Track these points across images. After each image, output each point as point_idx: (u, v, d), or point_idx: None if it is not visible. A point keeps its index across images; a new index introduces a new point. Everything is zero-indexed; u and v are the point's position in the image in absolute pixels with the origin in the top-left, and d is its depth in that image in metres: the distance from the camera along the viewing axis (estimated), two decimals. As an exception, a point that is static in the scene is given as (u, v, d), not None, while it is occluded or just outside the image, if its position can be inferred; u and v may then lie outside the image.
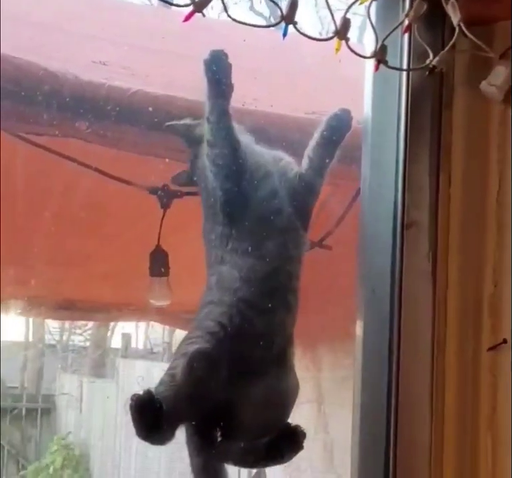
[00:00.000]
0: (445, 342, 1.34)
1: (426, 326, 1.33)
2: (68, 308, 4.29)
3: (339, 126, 1.50)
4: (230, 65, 1.44)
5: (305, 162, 1.53)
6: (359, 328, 1.40)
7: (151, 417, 1.39)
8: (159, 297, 2.71)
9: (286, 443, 1.44)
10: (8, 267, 3.42)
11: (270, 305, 1.45)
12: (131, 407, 1.40)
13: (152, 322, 10.72)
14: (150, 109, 1.79)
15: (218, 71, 1.43)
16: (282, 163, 1.55)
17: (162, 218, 2.36)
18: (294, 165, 1.55)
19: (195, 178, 1.57)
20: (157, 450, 6.58)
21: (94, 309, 4.36)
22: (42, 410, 8.23)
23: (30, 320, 10.14)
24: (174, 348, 10.27)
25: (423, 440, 1.33)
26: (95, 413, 7.72)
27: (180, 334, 11.23)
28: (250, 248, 1.46)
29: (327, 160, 1.50)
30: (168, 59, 2.25)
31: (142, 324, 10.52)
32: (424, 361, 1.34)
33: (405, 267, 1.35)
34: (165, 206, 2.31)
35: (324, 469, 3.83)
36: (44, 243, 3.39)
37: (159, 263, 2.54)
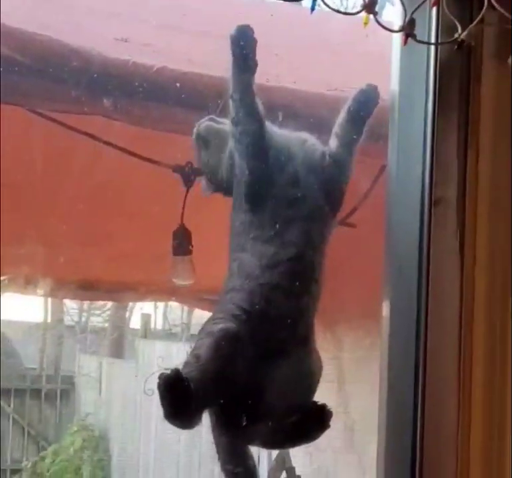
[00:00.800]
0: (472, 320, 1.33)
1: (454, 303, 1.32)
2: (89, 288, 4.30)
3: (367, 101, 1.49)
4: (256, 40, 1.43)
5: (333, 140, 1.51)
6: (385, 307, 1.39)
7: (180, 396, 1.38)
8: (182, 276, 2.70)
9: (313, 422, 1.44)
10: (28, 246, 3.44)
11: (291, 293, 1.45)
12: (159, 386, 1.39)
13: (170, 303, 10.81)
14: (176, 85, 1.78)
15: (245, 46, 1.42)
16: (307, 145, 1.54)
17: (185, 197, 2.35)
18: (319, 146, 1.53)
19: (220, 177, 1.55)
20: (177, 431, 6.62)
21: (115, 289, 4.37)
22: (61, 391, 8.27)
23: (49, 301, 10.22)
24: (192, 329, 10.35)
25: (450, 420, 1.32)
26: (115, 394, 7.75)
27: (199, 314, 11.30)
28: (272, 236, 1.45)
29: (355, 137, 1.49)
30: (190, 36, 2.23)
31: (161, 305, 10.57)
32: (451, 339, 1.33)
33: (433, 244, 1.34)
34: (188, 185, 2.30)
35: (345, 449, 3.84)
36: (66, 223, 3.40)
37: (182, 242, 2.53)
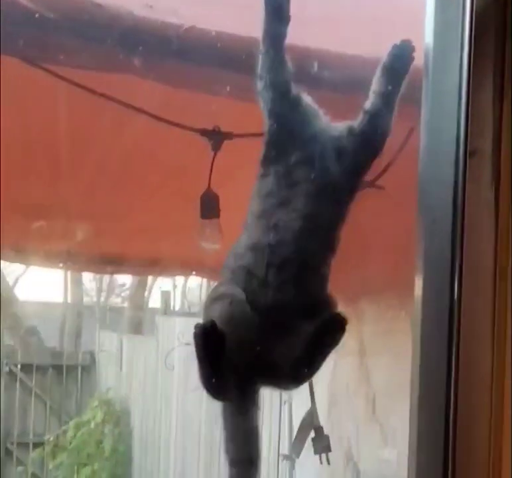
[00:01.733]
0: (506, 272, 1.32)
1: (488, 254, 1.32)
2: (111, 262, 4.31)
3: (402, 55, 1.47)
4: None
5: (370, 99, 1.50)
6: (418, 259, 1.38)
7: (216, 346, 1.38)
8: (210, 240, 2.70)
9: (329, 331, 1.41)
10: (50, 219, 3.44)
11: (298, 265, 1.43)
12: (196, 335, 1.40)
13: (188, 284, 10.85)
14: (206, 44, 1.78)
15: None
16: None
17: (213, 161, 2.34)
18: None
19: None
20: (197, 405, 6.67)
21: (137, 262, 4.37)
22: (82, 367, 8.36)
23: (68, 281, 10.29)
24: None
25: (484, 388, 1.30)
26: (135, 369, 7.81)
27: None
28: (284, 201, 1.44)
29: (392, 90, 1.47)
30: (218, 5, 2.22)
31: (179, 285, 10.62)
32: (485, 290, 1.32)
33: (467, 196, 1.33)
34: (216, 148, 2.30)
35: (366, 419, 3.86)
36: (89, 195, 3.40)
37: (210, 205, 2.52)
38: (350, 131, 1.48)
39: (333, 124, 1.52)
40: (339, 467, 4.06)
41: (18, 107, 2.59)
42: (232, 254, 1.48)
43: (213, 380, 1.42)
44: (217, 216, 2.60)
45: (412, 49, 1.48)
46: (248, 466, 1.50)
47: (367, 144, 1.48)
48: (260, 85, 1.46)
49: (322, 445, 3.43)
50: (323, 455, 3.44)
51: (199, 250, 3.91)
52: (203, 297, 10.65)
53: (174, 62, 1.81)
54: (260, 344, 1.43)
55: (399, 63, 1.47)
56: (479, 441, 1.27)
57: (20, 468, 7.80)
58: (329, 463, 3.48)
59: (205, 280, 10.63)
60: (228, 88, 1.75)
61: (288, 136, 1.46)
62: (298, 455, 3.68)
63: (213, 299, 1.47)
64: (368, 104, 1.49)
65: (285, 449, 4.75)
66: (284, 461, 4.73)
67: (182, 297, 10.41)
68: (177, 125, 2.25)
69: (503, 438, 1.27)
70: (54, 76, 2.06)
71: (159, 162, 2.87)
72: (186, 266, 4.43)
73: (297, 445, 3.58)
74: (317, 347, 1.42)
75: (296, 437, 3.56)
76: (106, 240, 3.88)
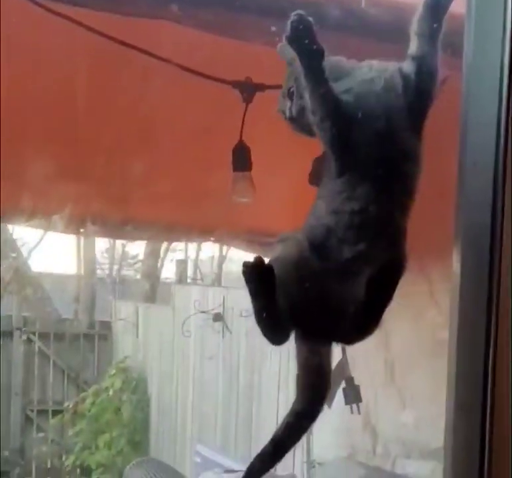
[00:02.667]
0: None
1: None
2: (129, 226, 4.31)
3: None
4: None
5: (415, 42, 1.39)
6: (458, 204, 1.37)
7: (266, 279, 1.38)
8: (242, 193, 2.69)
9: (387, 274, 1.39)
10: (69, 184, 3.42)
11: (378, 226, 1.39)
12: (244, 273, 1.39)
13: (200, 256, 10.90)
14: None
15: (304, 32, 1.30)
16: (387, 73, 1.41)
17: (245, 112, 2.32)
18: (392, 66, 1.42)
19: None
20: (215, 372, 6.71)
21: (156, 228, 4.37)
22: (99, 336, 8.41)
23: (82, 253, 10.33)
24: (222, 279, 10.38)
25: None
26: (152, 337, 7.87)
27: (229, 264, 11.36)
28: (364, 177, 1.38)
29: (438, 29, 1.42)
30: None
31: (192, 255, 10.67)
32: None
33: (510, 137, 1.32)
34: (247, 100, 2.29)
35: (385, 384, 3.88)
36: (110, 159, 3.38)
37: (242, 158, 2.50)
38: (405, 81, 1.40)
39: (372, 74, 1.43)
40: (357, 430, 4.09)
41: (33, 59, 2.55)
42: (312, 215, 1.47)
43: (267, 318, 1.42)
44: (249, 169, 2.59)
45: None
46: (315, 403, 1.52)
47: (423, 93, 1.44)
48: (313, 119, 1.37)
49: (353, 395, 3.46)
50: (354, 406, 3.47)
51: (221, 215, 3.92)
52: (216, 268, 10.72)
53: (209, 7, 1.77)
54: (321, 290, 1.41)
55: None
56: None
57: (40, 434, 7.89)
58: (359, 413, 3.51)
59: (217, 252, 10.72)
60: (261, 37, 1.72)
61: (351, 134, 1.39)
62: (329, 405, 3.70)
63: (277, 241, 1.48)
64: (414, 48, 1.40)
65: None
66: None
67: (194, 267, 10.46)
68: (207, 76, 2.22)
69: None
70: (72, 22, 2.03)
71: (187, 118, 2.84)
72: (206, 232, 4.42)
73: (328, 396, 3.60)
74: (376, 291, 1.39)
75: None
76: (125, 205, 3.87)
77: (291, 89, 1.47)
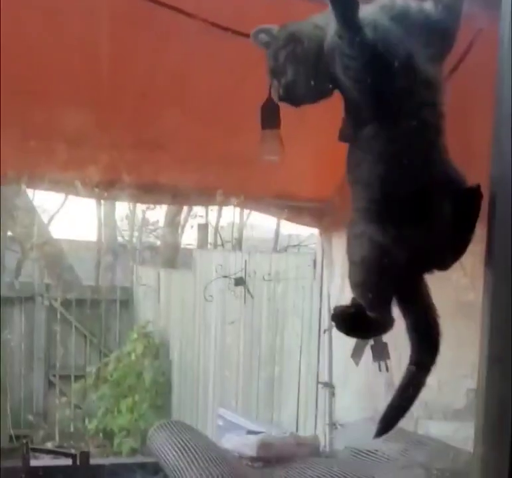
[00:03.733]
0: None
1: None
2: (151, 191, 4.29)
3: None
4: None
5: None
6: (490, 156, 1.35)
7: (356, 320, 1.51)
8: (270, 151, 2.68)
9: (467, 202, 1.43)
10: (90, 148, 3.41)
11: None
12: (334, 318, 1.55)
13: (221, 224, 10.90)
14: None
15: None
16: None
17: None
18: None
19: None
20: (236, 336, 6.74)
21: (178, 192, 4.35)
22: (120, 302, 8.45)
23: (102, 219, 10.35)
24: (243, 245, 10.42)
25: None
26: (174, 302, 7.89)
27: (249, 231, 11.36)
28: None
29: None
30: None
31: (212, 221, 10.67)
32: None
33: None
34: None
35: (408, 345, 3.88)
36: (130, 122, 3.35)
37: (271, 115, 2.47)
38: (427, 18, 1.40)
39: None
40: (380, 392, 4.09)
41: (52, 21, 2.51)
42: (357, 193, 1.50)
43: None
44: (278, 126, 2.56)
45: None
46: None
47: (444, 32, 1.42)
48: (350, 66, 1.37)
49: (381, 352, 3.47)
50: (382, 363, 3.48)
51: (245, 179, 3.90)
52: (237, 233, 10.72)
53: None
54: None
55: None
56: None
57: (63, 399, 7.97)
58: (387, 370, 3.51)
59: (237, 218, 10.71)
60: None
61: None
62: (357, 362, 3.71)
63: (353, 237, 1.52)
64: None
65: (325, 377, 4.79)
66: (324, 389, 4.77)
67: (215, 233, 10.46)
68: (234, 31, 2.18)
69: None
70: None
71: (213, 77, 2.80)
72: (230, 196, 4.41)
73: (356, 352, 3.62)
74: (462, 219, 1.44)
75: (355, 345, 3.61)
76: (146, 169, 3.85)
77: (273, 69, 1.49)
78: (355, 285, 1.54)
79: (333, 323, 1.57)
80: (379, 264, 1.48)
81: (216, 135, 3.40)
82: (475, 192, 1.43)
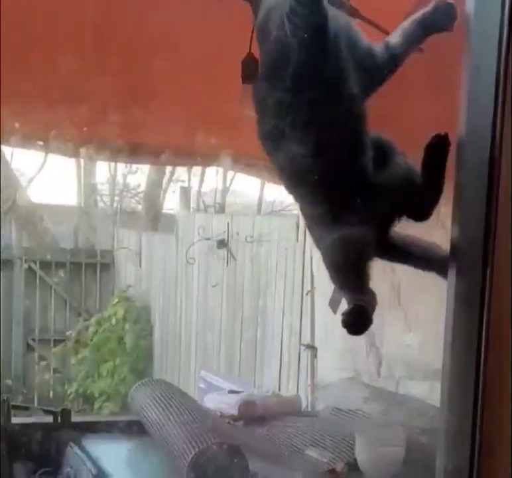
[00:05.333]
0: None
1: None
2: (134, 151, 4.24)
3: (444, 19, 1.45)
4: None
5: (397, 32, 1.49)
6: (460, 110, 1.32)
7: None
8: (251, 105, 2.68)
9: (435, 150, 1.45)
10: (71, 105, 3.35)
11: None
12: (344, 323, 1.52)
13: (203, 188, 10.86)
14: None
15: None
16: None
17: (254, 24, 2.24)
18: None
19: None
20: (219, 299, 6.72)
21: (160, 152, 4.30)
22: (101, 265, 8.39)
23: (82, 183, 10.28)
24: (227, 205, 10.36)
25: None
26: (155, 266, 7.84)
27: (232, 197, 11.31)
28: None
29: (418, 41, 1.48)
30: None
31: (195, 185, 10.62)
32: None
33: None
34: (257, 12, 2.20)
35: (390, 307, 3.87)
36: (114, 80, 3.30)
37: (251, 69, 2.48)
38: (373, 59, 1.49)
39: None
40: (361, 353, 4.10)
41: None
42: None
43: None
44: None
45: (456, 12, 1.45)
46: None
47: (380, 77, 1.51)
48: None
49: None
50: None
51: (227, 139, 3.86)
52: (220, 198, 10.69)
53: None
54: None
55: (438, 23, 1.46)
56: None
57: (42, 363, 7.94)
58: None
59: (220, 183, 10.67)
60: None
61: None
62: (335, 311, 3.71)
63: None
64: (393, 41, 1.49)
65: (307, 338, 4.79)
66: (306, 350, 4.78)
67: (198, 197, 10.42)
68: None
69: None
70: None
71: (195, 39, 2.78)
72: (210, 158, 4.37)
73: (333, 301, 3.63)
74: (431, 168, 1.46)
75: (332, 294, 3.61)
76: (130, 129, 3.80)
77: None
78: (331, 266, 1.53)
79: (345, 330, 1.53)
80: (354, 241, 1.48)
81: (200, 95, 3.36)
82: (443, 141, 1.44)
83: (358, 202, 1.46)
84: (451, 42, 1.41)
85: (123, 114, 3.55)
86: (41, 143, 3.89)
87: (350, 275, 1.49)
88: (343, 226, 1.46)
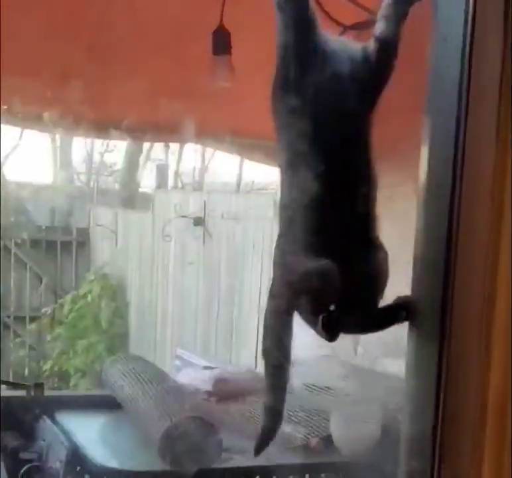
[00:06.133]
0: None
1: (495, 71, 1.25)
2: (108, 126, 4.21)
3: None
4: None
5: (380, 23, 1.38)
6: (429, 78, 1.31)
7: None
8: (222, 77, 2.68)
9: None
10: (44, 81, 3.31)
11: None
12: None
13: (181, 166, 10.81)
14: None
15: None
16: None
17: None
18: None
19: None
20: (195, 277, 6.71)
21: (135, 128, 4.26)
22: (77, 243, 8.32)
23: (58, 161, 10.20)
24: (205, 185, 10.33)
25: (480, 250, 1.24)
26: (131, 243, 7.80)
27: (211, 175, 11.27)
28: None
29: (403, 15, 1.37)
30: None
31: (173, 164, 10.57)
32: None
33: (478, 16, 1.26)
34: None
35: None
36: (85, 54, 3.26)
37: (221, 41, 2.48)
38: (365, 57, 1.38)
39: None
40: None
41: None
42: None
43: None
44: (229, 52, 2.58)
45: None
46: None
47: (381, 74, 1.39)
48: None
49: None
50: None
51: (203, 114, 3.83)
52: (197, 177, 10.66)
53: None
54: None
55: None
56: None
57: (18, 340, 7.90)
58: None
59: (199, 163, 10.63)
60: None
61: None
62: None
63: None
64: (378, 30, 1.38)
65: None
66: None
67: (176, 175, 10.39)
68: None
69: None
70: None
71: (166, 12, 2.76)
72: (186, 133, 4.33)
73: None
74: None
75: None
76: (102, 104, 3.76)
77: None
78: None
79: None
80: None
81: (173, 69, 3.33)
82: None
83: None
84: (419, 15, 1.39)
85: (97, 89, 3.52)
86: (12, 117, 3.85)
87: None
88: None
